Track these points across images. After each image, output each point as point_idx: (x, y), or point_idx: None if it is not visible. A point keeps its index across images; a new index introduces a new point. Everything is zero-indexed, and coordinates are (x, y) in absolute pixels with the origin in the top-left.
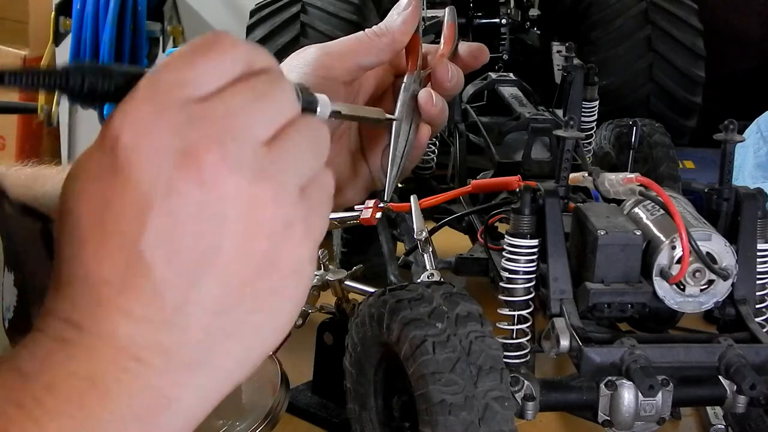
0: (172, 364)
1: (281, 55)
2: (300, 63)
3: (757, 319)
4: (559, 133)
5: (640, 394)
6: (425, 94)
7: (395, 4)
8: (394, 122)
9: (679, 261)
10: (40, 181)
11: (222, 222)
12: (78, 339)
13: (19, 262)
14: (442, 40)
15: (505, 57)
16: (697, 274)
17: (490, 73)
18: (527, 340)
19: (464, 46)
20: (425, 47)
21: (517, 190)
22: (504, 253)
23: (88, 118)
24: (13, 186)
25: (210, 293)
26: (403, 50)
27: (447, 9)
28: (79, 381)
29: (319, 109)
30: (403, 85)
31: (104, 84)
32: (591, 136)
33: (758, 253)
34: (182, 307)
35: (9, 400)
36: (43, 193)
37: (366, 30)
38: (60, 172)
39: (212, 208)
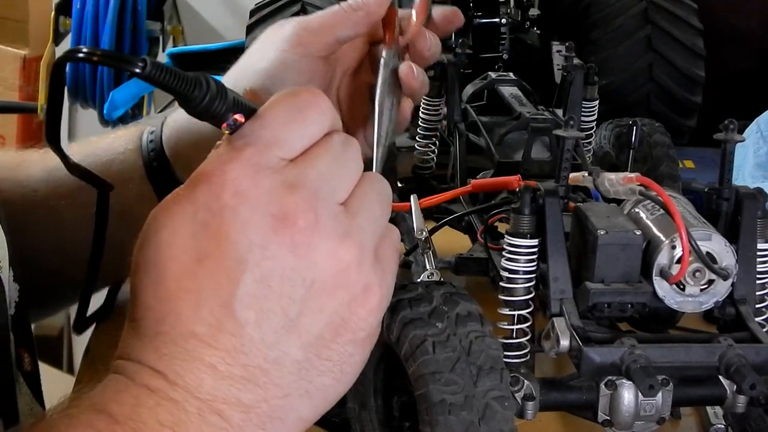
0: (249, 421)
1: None
2: (278, 40)
3: (757, 319)
4: (559, 132)
5: (640, 393)
6: (406, 69)
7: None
8: (377, 100)
9: (679, 261)
10: (24, 164)
11: (310, 286)
12: (165, 389)
13: (16, 254)
14: (414, 9)
15: (505, 57)
16: (697, 273)
17: (490, 73)
18: (527, 340)
19: (438, 12)
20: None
21: (517, 189)
22: (504, 253)
23: (88, 118)
24: None
25: (291, 355)
26: (379, 21)
27: None
28: (165, 429)
29: None
30: (382, 60)
31: (219, 105)
32: (591, 135)
33: (758, 253)
34: (265, 367)
35: None
36: (27, 175)
37: (341, 3)
38: (44, 154)
39: (302, 273)
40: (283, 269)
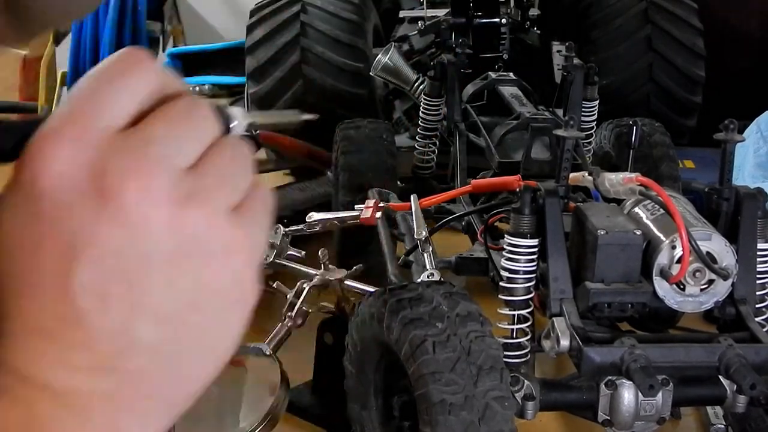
0: (115, 407)
1: (281, 54)
2: None
3: (757, 319)
4: (559, 132)
5: (640, 393)
6: None
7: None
8: None
9: (679, 261)
10: None
11: (152, 259)
12: (19, 388)
13: None
14: None
15: (505, 57)
16: (697, 273)
17: (490, 73)
18: (527, 340)
19: None
20: None
21: (517, 189)
22: (504, 253)
23: None
24: None
25: (146, 335)
26: None
27: None
28: (19, 428)
29: (235, 123)
30: None
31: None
32: (591, 135)
33: (758, 253)
34: (119, 352)
35: None
36: None
37: None
38: None
39: (140, 247)
40: (119, 247)
